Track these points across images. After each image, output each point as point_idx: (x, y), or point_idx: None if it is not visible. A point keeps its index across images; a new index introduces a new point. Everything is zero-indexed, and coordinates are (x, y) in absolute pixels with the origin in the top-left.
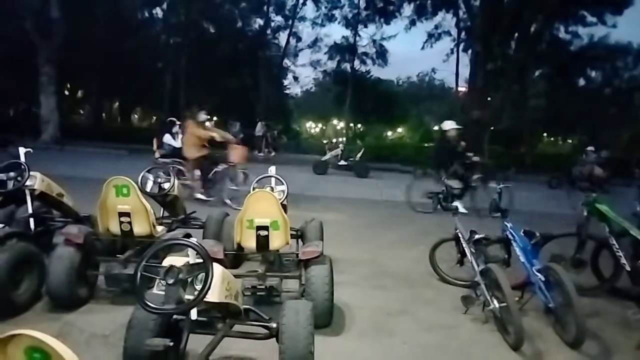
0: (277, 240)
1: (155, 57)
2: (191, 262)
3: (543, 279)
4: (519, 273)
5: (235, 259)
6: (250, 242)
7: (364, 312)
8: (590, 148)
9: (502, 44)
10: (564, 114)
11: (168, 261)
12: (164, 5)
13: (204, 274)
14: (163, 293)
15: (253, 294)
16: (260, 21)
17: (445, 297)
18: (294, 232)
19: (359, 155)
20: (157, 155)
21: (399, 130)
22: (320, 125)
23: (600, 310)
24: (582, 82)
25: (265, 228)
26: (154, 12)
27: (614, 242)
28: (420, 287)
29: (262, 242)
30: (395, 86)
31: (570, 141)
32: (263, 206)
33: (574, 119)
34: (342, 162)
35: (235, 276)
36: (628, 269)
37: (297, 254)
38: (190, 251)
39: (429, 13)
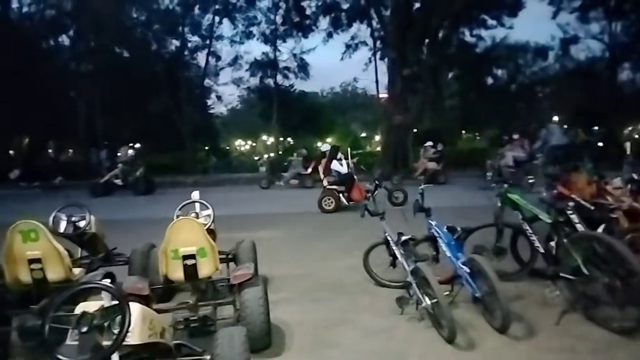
0: (206, 268)
1: (66, 86)
2: (106, 305)
3: (468, 270)
4: (448, 268)
5: (164, 292)
6: (177, 273)
7: (303, 327)
8: (429, 144)
9: (414, 50)
10: (476, 111)
11: (81, 307)
12: (70, 32)
13: (120, 316)
14: (77, 343)
15: (186, 327)
16: (176, 42)
17: (381, 300)
18: (224, 256)
19: (309, 169)
20: (325, 183)
21: (329, 140)
22: (249, 142)
23: (522, 293)
24: (490, 80)
25: (192, 256)
26: (60, 39)
27: (528, 227)
28: (357, 294)
29: (190, 272)
30: (320, 98)
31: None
32: (187, 234)
33: (486, 116)
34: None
35: (165, 310)
36: (542, 251)
37: (229, 279)
38: (104, 293)
39: (344, 25)
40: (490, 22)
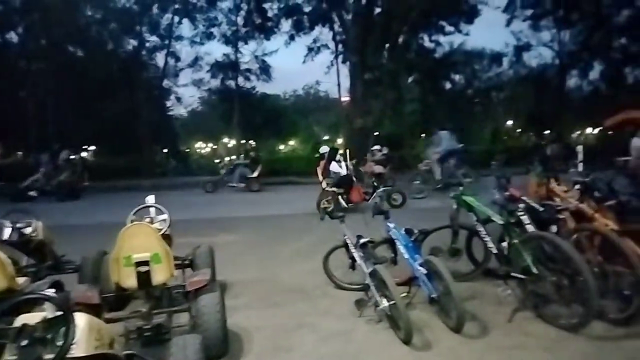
0: (161, 274)
1: (14, 86)
2: (49, 316)
3: (425, 272)
4: (406, 269)
5: (117, 300)
6: (130, 281)
7: (261, 333)
8: (376, 147)
9: (375, 54)
10: (435, 115)
11: (21, 320)
12: (19, 30)
13: (64, 327)
14: (15, 358)
15: (139, 336)
16: (134, 42)
17: (341, 303)
18: (180, 262)
19: (256, 172)
20: (324, 185)
21: (291, 143)
22: (210, 144)
23: (477, 293)
24: (448, 85)
25: (146, 263)
26: (7, 36)
27: (481, 229)
28: (317, 298)
29: (144, 279)
30: (282, 100)
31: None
32: (140, 240)
33: (444, 119)
34: (236, 181)
35: (117, 320)
36: (495, 251)
37: (185, 285)
38: (47, 304)
39: (306, 28)
40: (448, 28)
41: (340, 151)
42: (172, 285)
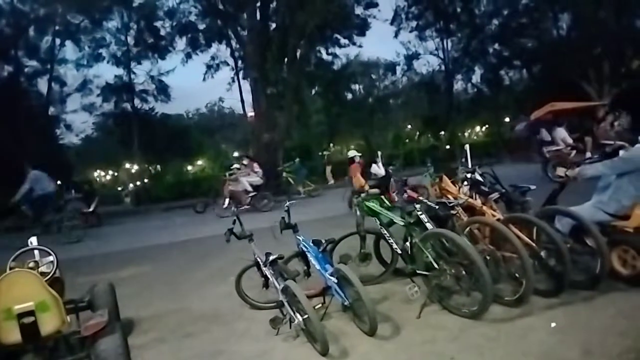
0: (49, 323)
1: None
2: None
3: (336, 280)
4: (319, 280)
5: (3, 358)
6: (13, 335)
7: None
8: (242, 158)
9: (275, 69)
10: (340, 124)
11: None
12: None
13: None
14: None
15: None
16: (9, 68)
17: (258, 324)
18: (74, 306)
19: (92, 206)
20: (366, 187)
21: (199, 162)
22: (110, 172)
23: (388, 294)
24: (349, 95)
25: (30, 313)
26: None
27: (386, 231)
28: (233, 322)
29: (30, 331)
30: (185, 119)
31: (352, 147)
32: (21, 289)
33: (349, 128)
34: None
35: None
36: (399, 251)
37: (80, 331)
38: None
39: (202, 45)
40: (343, 40)
41: (379, 152)
42: (68, 332)
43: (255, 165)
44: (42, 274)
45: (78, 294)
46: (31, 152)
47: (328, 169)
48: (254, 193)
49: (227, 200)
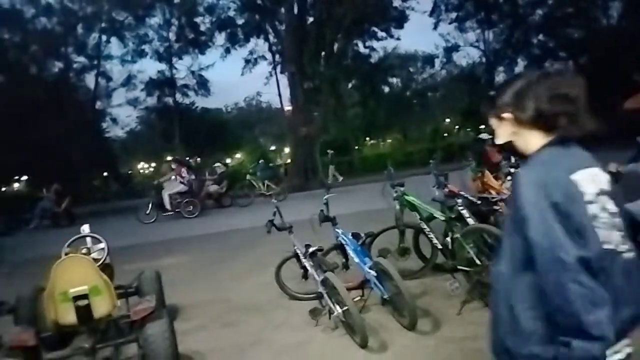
0: (102, 307)
1: None
2: None
3: (375, 274)
4: (358, 273)
5: (59, 338)
6: (69, 317)
7: (216, 354)
8: (216, 165)
9: (312, 63)
10: (377, 118)
11: None
12: None
13: None
14: None
15: None
16: (60, 64)
17: (296, 315)
18: (123, 291)
19: (63, 204)
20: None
21: (237, 156)
22: (153, 164)
23: (427, 289)
24: (387, 88)
25: (84, 296)
26: None
27: (426, 226)
28: (271, 312)
29: (84, 313)
30: (224, 114)
31: (389, 141)
32: (76, 273)
33: (386, 121)
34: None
35: (59, 359)
36: (440, 247)
37: (129, 315)
38: None
39: (241, 40)
40: (380, 34)
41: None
42: (117, 316)
43: (184, 170)
44: (94, 260)
45: None
46: (79, 144)
47: (331, 168)
48: (179, 199)
49: (150, 206)
